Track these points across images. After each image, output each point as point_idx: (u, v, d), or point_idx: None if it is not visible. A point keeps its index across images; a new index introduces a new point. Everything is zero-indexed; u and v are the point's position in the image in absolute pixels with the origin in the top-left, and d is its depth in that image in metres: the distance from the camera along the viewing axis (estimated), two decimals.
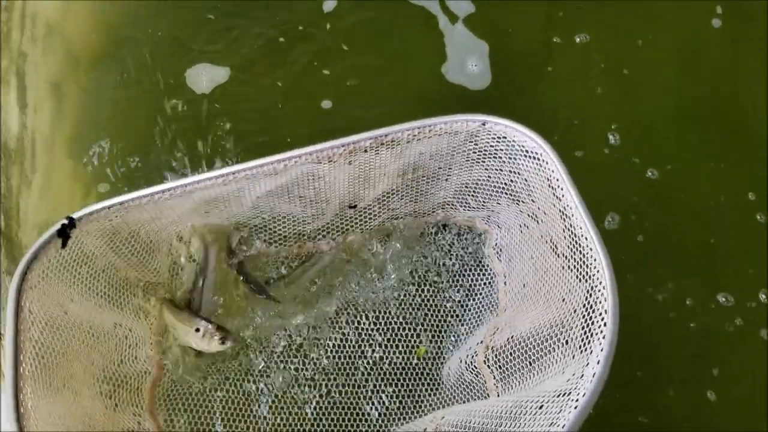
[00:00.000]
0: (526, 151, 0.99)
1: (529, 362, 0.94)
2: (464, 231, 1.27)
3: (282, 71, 1.52)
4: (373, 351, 1.18)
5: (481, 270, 1.23)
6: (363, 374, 1.16)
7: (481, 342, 1.09)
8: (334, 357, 1.17)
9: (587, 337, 0.80)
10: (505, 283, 1.15)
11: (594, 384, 0.73)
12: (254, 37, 1.55)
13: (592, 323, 0.81)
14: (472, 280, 1.23)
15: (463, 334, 1.18)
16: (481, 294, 1.21)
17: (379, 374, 1.16)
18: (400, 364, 1.17)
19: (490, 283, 1.21)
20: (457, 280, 1.23)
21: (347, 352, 1.18)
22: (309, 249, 1.26)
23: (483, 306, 1.19)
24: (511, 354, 0.99)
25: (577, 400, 0.73)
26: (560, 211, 0.92)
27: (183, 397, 1.13)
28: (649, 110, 1.53)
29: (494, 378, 1.03)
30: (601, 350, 0.76)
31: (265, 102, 1.49)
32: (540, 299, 0.98)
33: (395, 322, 1.20)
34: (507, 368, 1.00)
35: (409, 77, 1.54)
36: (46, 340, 0.89)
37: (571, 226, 0.90)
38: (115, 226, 1.01)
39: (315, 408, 1.13)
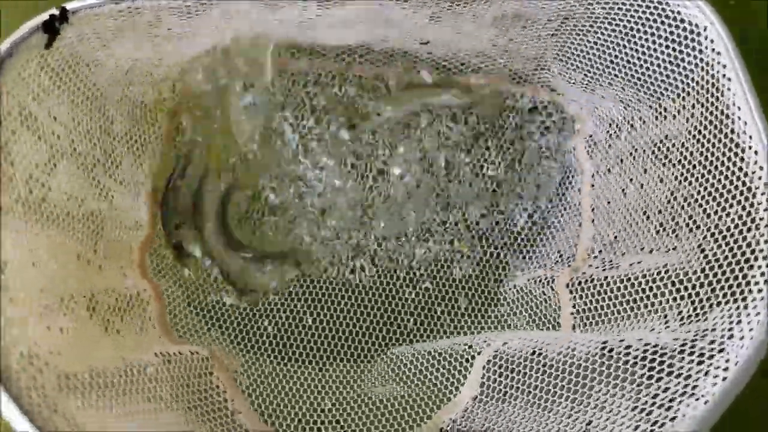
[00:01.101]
0: (681, 20, 0.72)
1: (635, 302, 0.73)
2: (550, 113, 1.02)
3: None
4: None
5: (562, 168, 1.00)
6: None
7: (568, 260, 0.88)
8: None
9: (739, 281, 0.59)
10: (592, 186, 0.92)
11: (753, 348, 0.53)
12: None
13: (747, 262, 0.60)
14: (550, 177, 1.00)
15: (535, 244, 0.98)
16: (559, 196, 0.99)
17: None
18: (447, 256, 0.98)
19: (570, 184, 0.98)
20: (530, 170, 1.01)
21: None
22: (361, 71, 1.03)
23: (562, 212, 0.97)
24: (609, 287, 0.79)
25: (726, 369, 0.53)
26: (717, 109, 0.68)
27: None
28: None
29: (575, 307, 0.83)
30: (763, 299, 0.56)
31: None
32: (654, 216, 0.76)
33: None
34: (599, 299, 0.80)
35: None
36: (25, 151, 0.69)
37: (731, 132, 0.66)
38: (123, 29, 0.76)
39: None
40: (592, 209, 0.91)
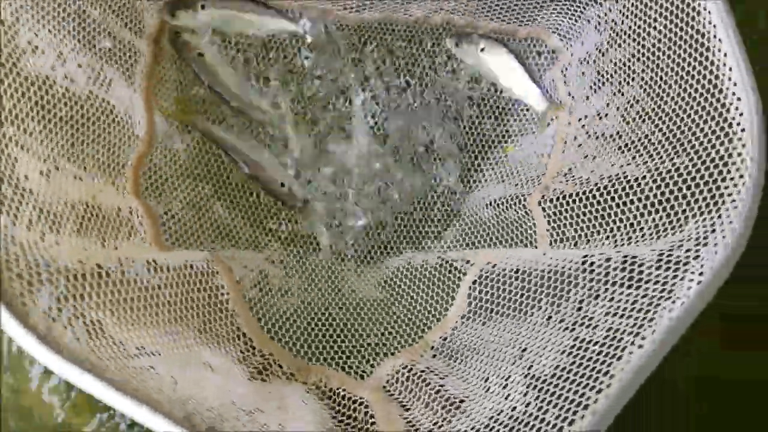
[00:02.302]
0: None
1: (609, 217, 0.77)
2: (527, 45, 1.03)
3: None
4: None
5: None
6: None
7: (538, 179, 0.91)
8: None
9: (713, 192, 0.63)
10: (570, 112, 0.95)
11: (725, 251, 0.57)
12: None
13: (720, 174, 0.63)
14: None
15: (508, 163, 1.00)
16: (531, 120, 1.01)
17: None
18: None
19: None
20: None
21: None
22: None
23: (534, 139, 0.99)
24: (581, 201, 0.82)
25: (701, 273, 0.57)
26: (693, 28, 0.70)
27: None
28: None
29: (550, 224, 0.86)
30: (735, 208, 0.59)
31: None
32: (627, 134, 0.79)
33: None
34: (573, 216, 0.83)
35: None
36: None
37: (705, 50, 0.68)
38: None
39: None
40: (564, 133, 0.93)
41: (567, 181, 0.85)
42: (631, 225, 0.73)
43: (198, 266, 0.78)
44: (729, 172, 0.61)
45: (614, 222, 0.76)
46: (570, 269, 0.70)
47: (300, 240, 0.97)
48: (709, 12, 0.68)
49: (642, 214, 0.72)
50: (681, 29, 0.71)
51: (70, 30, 0.80)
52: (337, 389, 0.75)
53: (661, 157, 0.71)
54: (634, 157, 0.76)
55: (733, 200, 0.60)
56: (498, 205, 0.94)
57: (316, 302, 0.87)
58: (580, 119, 0.91)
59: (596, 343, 0.62)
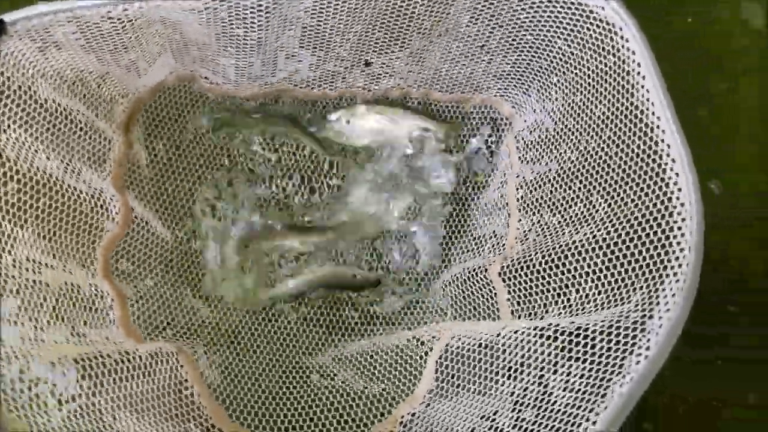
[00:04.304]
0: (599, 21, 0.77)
1: (564, 284, 0.78)
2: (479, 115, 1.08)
3: None
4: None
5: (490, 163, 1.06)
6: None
7: (497, 249, 0.93)
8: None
9: (657, 265, 0.65)
10: (521, 177, 0.97)
11: (669, 324, 0.58)
12: None
13: (663, 248, 0.65)
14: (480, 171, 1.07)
15: (469, 240, 1.03)
16: (490, 190, 1.04)
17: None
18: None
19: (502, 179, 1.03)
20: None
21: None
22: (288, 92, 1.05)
23: (493, 208, 1.02)
24: (538, 270, 0.84)
25: (648, 348, 0.58)
26: (632, 104, 0.73)
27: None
28: None
29: (510, 294, 0.88)
30: (677, 281, 0.61)
31: None
32: (578, 210, 0.82)
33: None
34: (531, 286, 0.85)
35: None
36: None
37: (645, 126, 0.71)
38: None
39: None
40: (518, 199, 0.95)
41: (524, 250, 0.87)
42: (586, 295, 0.74)
43: (164, 358, 0.78)
44: (671, 245, 0.63)
45: (569, 291, 0.78)
46: (529, 342, 0.71)
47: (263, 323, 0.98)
48: (647, 90, 0.71)
49: (594, 284, 0.73)
50: (622, 105, 0.74)
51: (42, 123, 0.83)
52: None
53: (606, 228, 0.73)
54: (582, 226, 0.78)
55: (675, 273, 0.62)
56: (459, 277, 0.96)
57: (278, 384, 0.87)
58: (531, 185, 0.94)
59: (554, 419, 0.63)
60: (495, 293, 0.89)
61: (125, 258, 0.92)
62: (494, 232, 0.97)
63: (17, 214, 0.76)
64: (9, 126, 0.76)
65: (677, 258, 0.62)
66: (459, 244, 1.04)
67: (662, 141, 0.67)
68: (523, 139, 0.97)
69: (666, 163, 0.67)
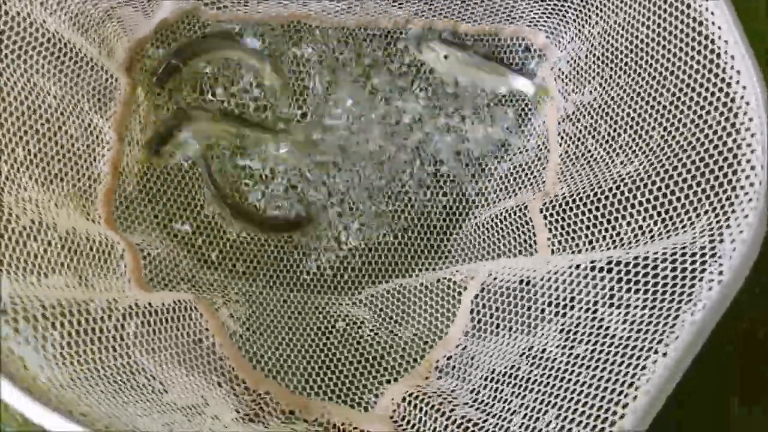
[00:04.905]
0: None
1: (614, 218, 0.73)
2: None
3: None
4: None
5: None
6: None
7: (537, 186, 0.88)
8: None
9: (724, 187, 0.60)
10: (564, 110, 0.91)
11: (743, 247, 0.54)
12: None
13: (730, 167, 0.60)
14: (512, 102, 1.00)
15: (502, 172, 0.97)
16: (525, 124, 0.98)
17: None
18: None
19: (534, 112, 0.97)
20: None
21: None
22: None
23: (528, 139, 0.96)
24: (585, 203, 0.78)
25: (720, 273, 0.54)
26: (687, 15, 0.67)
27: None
28: None
29: (552, 231, 0.82)
30: (750, 201, 0.56)
31: None
32: (625, 131, 0.76)
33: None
34: (576, 221, 0.79)
35: None
36: None
37: (704, 39, 0.65)
38: None
39: None
40: (559, 134, 0.90)
41: (568, 185, 0.82)
42: (639, 227, 0.69)
43: (181, 309, 0.73)
44: (740, 163, 0.59)
45: (618, 225, 0.73)
46: (579, 275, 0.67)
47: (286, 269, 0.93)
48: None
49: (649, 214, 0.68)
50: (677, 18, 0.68)
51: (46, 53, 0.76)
52: (342, 424, 0.70)
53: (665, 154, 0.68)
54: (637, 155, 0.73)
55: (746, 192, 0.57)
56: (496, 216, 0.91)
57: (303, 333, 0.82)
58: (573, 117, 0.88)
59: (615, 353, 0.59)
60: (534, 233, 0.84)
61: (127, 212, 0.87)
62: (531, 168, 0.91)
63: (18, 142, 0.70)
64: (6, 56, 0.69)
65: (747, 177, 0.57)
66: (493, 183, 0.98)
67: (725, 53, 0.62)
68: (561, 69, 0.91)
69: (731, 77, 0.61)
